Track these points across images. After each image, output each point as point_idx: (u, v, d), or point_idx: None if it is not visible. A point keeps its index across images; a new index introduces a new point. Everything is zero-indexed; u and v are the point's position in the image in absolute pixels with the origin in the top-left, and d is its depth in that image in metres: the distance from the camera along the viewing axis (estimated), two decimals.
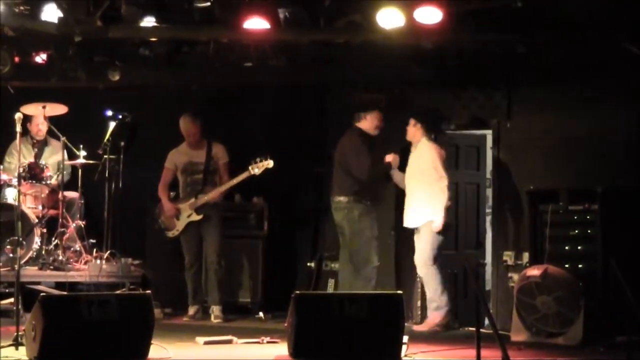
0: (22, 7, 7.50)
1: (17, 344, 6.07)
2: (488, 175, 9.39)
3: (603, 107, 8.05)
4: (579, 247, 7.75)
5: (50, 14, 7.50)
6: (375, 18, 7.32)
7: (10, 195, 8.63)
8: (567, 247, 7.78)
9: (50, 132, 9.21)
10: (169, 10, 7.73)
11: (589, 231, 7.70)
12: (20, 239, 7.12)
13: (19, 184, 7.45)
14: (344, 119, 8.75)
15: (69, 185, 9.15)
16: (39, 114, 9.01)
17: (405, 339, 6.20)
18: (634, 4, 7.07)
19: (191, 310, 8.69)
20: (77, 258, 8.87)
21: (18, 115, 6.86)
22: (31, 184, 8.78)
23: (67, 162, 9.03)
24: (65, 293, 7.91)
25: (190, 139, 8.73)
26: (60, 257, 8.68)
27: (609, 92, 8.00)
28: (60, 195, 8.82)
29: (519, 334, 7.45)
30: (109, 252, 8.81)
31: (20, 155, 7.63)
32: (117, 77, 8.63)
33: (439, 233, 8.07)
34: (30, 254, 8.51)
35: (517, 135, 8.62)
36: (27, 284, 8.13)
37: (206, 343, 6.94)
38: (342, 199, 8.33)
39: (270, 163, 8.38)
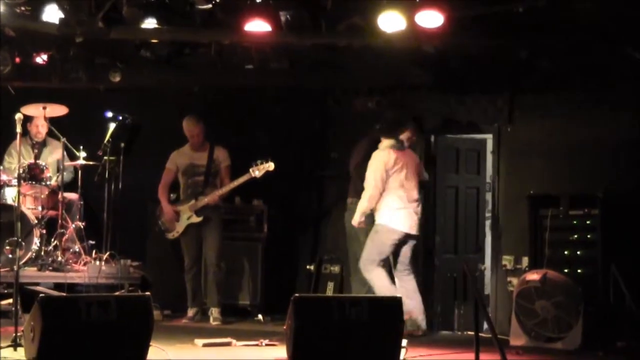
0: (23, 8, 7.49)
1: (15, 344, 6.07)
2: (488, 180, 9.39)
3: (604, 112, 8.05)
4: (579, 252, 7.75)
5: (52, 14, 7.49)
6: (376, 21, 7.32)
7: (10, 196, 8.63)
8: (566, 252, 7.79)
9: (50, 133, 9.21)
10: (170, 12, 7.73)
11: (588, 236, 7.71)
12: (20, 239, 7.11)
13: (19, 184, 7.44)
14: (345, 122, 8.75)
15: (69, 186, 9.14)
16: (40, 114, 9.01)
17: (404, 342, 6.20)
18: (638, 9, 7.06)
19: (190, 312, 8.69)
20: (76, 259, 8.86)
21: (18, 116, 6.85)
22: (31, 185, 8.77)
23: (67, 163, 9.03)
24: (64, 294, 7.89)
25: (193, 140, 8.73)
26: (60, 258, 8.68)
27: (610, 97, 8.00)
28: (60, 196, 8.82)
29: (517, 338, 7.45)
30: (108, 253, 8.80)
31: (20, 156, 7.62)
32: (118, 79, 8.63)
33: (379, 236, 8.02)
34: (29, 254, 8.50)
35: (518, 140, 8.62)
36: (26, 285, 8.12)
37: (205, 345, 6.94)
38: (356, 200, 8.33)
39: (271, 166, 8.38)
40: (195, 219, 8.61)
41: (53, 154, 9.21)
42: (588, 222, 7.71)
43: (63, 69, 8.56)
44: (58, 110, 9.04)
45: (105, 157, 9.01)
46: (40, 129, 9.19)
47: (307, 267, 9.55)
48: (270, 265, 9.39)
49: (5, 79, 8.45)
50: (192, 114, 8.78)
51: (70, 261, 8.82)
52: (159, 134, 9.44)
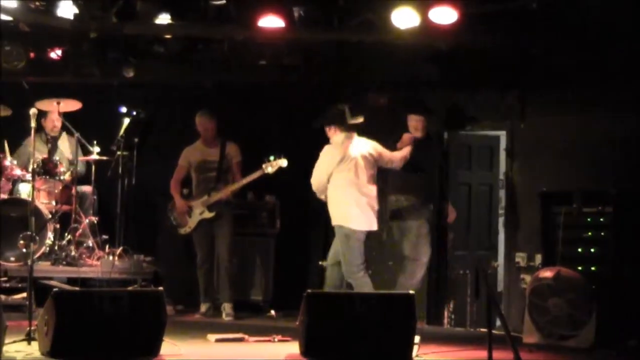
0: (37, 3, 7.53)
1: (29, 338, 6.11)
2: (501, 177, 9.37)
3: (617, 109, 8.01)
4: (592, 250, 7.72)
5: (66, 10, 7.54)
6: (389, 17, 7.32)
7: (24, 191, 8.66)
8: (580, 250, 7.75)
9: (64, 128, 9.24)
10: (184, 7, 7.75)
11: (602, 234, 7.67)
12: (34, 234, 7.15)
13: (33, 179, 7.48)
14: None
15: (82, 180, 9.17)
16: (54, 109, 9.03)
17: (416, 339, 6.20)
18: None
19: (203, 308, 8.70)
20: (89, 254, 8.89)
21: (33, 111, 6.88)
22: (45, 180, 8.80)
23: (81, 158, 9.05)
24: (77, 289, 7.93)
25: (207, 134, 8.73)
26: (73, 253, 8.71)
27: (623, 94, 7.96)
28: (73, 191, 8.85)
29: (530, 335, 7.43)
30: (121, 248, 8.84)
31: (35, 151, 7.66)
32: (131, 74, 8.66)
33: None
34: (43, 249, 8.53)
35: (530, 137, 8.59)
36: (39, 279, 8.16)
37: (217, 340, 6.95)
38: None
39: (284, 162, 8.38)
40: (208, 215, 8.62)
41: (67, 150, 9.24)
42: (601, 219, 7.67)
43: (77, 64, 8.59)
44: (72, 105, 9.06)
45: (119, 152, 9.03)
46: (56, 123, 9.22)
47: (320, 262, 9.54)
48: (283, 260, 9.39)
49: (19, 74, 8.48)
50: (205, 109, 8.79)
51: (84, 256, 8.85)
52: (172, 129, 9.45)
